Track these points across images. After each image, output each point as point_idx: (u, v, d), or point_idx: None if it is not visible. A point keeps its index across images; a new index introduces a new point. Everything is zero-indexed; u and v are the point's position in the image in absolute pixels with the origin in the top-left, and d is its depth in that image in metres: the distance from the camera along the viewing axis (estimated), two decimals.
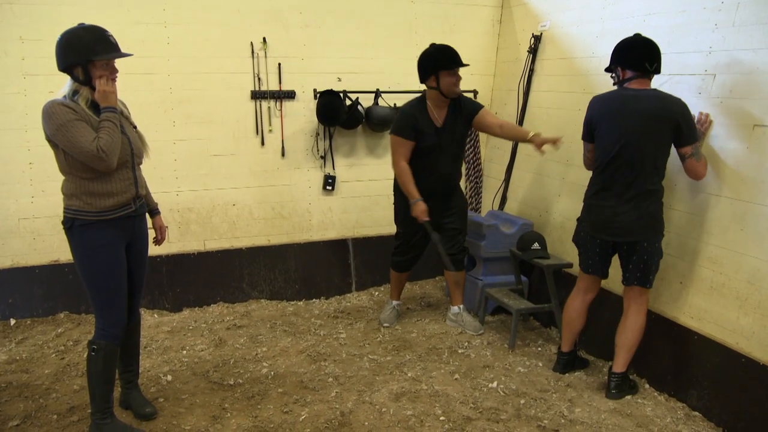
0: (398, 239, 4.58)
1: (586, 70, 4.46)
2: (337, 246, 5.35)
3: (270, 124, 5.04)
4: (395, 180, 4.37)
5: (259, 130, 5.01)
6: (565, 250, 4.49)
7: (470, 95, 5.50)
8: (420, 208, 4.13)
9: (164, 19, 4.70)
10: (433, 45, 4.11)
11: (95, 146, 2.74)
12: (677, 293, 3.65)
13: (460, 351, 4.15)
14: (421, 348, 4.19)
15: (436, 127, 4.17)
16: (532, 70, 5.07)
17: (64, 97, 2.85)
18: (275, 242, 5.18)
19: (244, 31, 4.87)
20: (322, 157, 5.19)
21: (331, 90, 5.01)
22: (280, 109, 5.05)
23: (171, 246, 4.91)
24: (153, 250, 4.80)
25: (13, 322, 4.53)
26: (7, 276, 4.58)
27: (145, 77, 4.71)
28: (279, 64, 4.97)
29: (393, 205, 4.56)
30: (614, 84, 3.53)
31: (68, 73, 2.88)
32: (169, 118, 4.81)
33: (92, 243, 2.92)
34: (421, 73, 4.13)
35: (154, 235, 3.45)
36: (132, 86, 4.61)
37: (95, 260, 2.94)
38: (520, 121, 5.15)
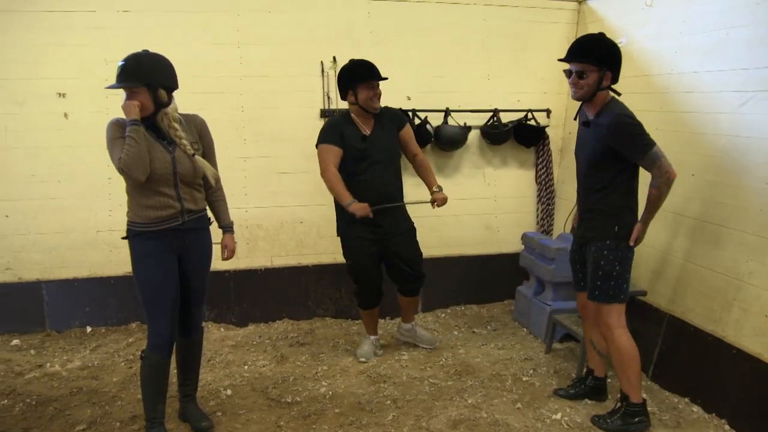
0: (352, 274, 4.21)
1: (664, 87, 4.25)
2: None
3: None
4: (336, 206, 4.10)
5: None
6: (639, 276, 4.25)
7: (542, 114, 5.37)
8: (359, 205, 3.85)
9: (237, 40, 4.83)
10: (351, 60, 4.00)
11: (117, 164, 2.88)
12: (763, 327, 3.38)
13: (524, 378, 3.99)
14: (484, 374, 4.06)
15: (364, 135, 3.99)
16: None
17: None
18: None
19: (314, 49, 4.93)
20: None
21: (401, 109, 4.97)
22: None
23: (239, 261, 4.99)
24: (221, 264, 4.94)
25: (89, 329, 4.72)
26: (85, 285, 4.78)
27: (219, 96, 4.83)
28: None
29: (339, 237, 4.23)
30: (605, 89, 3.24)
31: None
32: (240, 135, 4.91)
33: (141, 252, 3.05)
34: (340, 90, 4.03)
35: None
36: (206, 105, 4.71)
37: (143, 269, 3.06)
38: None
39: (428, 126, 5.04)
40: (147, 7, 4.64)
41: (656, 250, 4.14)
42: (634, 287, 4.13)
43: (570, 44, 3.29)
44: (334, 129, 3.96)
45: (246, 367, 4.15)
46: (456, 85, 5.21)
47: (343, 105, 4.94)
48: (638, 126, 3.12)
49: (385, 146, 4.07)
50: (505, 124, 5.21)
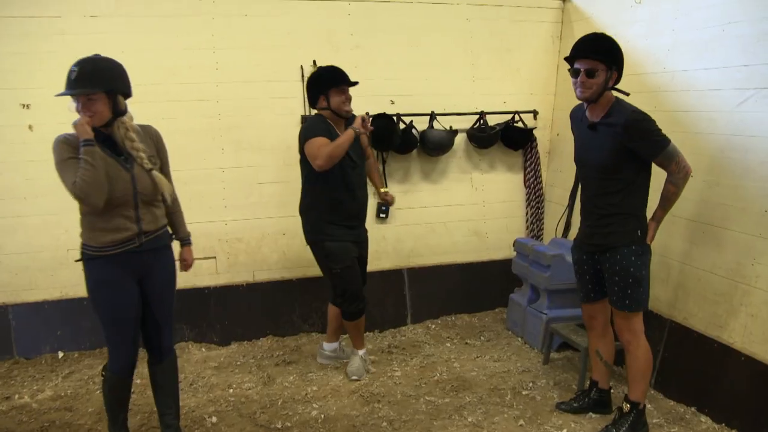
0: (342, 283, 3.95)
1: (656, 86, 4.12)
2: (392, 276, 5.10)
3: None
4: (312, 214, 3.97)
5: None
6: None
7: (530, 116, 5.23)
8: (357, 120, 3.79)
9: (213, 45, 4.61)
10: (319, 67, 3.99)
11: (71, 189, 2.68)
12: None
13: (524, 392, 3.83)
14: (482, 389, 3.89)
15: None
16: None
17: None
18: None
19: (293, 54, 4.73)
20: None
21: (384, 113, 4.81)
22: None
23: (219, 277, 4.78)
24: (201, 281, 4.76)
25: (61, 355, 4.45)
26: (56, 308, 4.51)
27: (194, 104, 4.61)
28: None
29: (316, 247, 4.01)
30: (612, 89, 3.13)
31: None
32: (218, 144, 4.69)
33: (97, 278, 2.88)
34: (310, 97, 3.95)
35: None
36: (180, 113, 4.56)
37: (101, 295, 2.89)
38: None
39: (414, 131, 4.87)
40: (116, 11, 4.40)
41: (654, 254, 3.98)
42: None
43: (575, 42, 3.16)
44: (322, 126, 3.84)
45: (231, 390, 3.92)
46: (441, 88, 5.05)
47: None
48: (654, 123, 3.01)
49: (358, 149, 3.98)
50: (492, 127, 5.06)
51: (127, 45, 4.34)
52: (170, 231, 3.22)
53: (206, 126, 4.65)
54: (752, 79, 3.42)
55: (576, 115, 3.36)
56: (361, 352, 4.19)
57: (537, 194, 5.29)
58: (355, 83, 3.91)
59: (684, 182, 3.04)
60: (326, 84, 3.83)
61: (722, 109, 3.59)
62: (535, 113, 5.26)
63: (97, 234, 2.82)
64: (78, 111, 2.76)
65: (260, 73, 4.67)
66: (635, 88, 4.28)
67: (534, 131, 5.22)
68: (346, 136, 3.72)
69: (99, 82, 2.74)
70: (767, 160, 3.30)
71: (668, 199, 3.09)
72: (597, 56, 2.99)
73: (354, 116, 3.93)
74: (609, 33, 4.56)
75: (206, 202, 4.68)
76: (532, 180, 5.29)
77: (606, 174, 3.11)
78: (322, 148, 3.67)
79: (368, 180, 4.20)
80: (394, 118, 4.84)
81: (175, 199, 3.20)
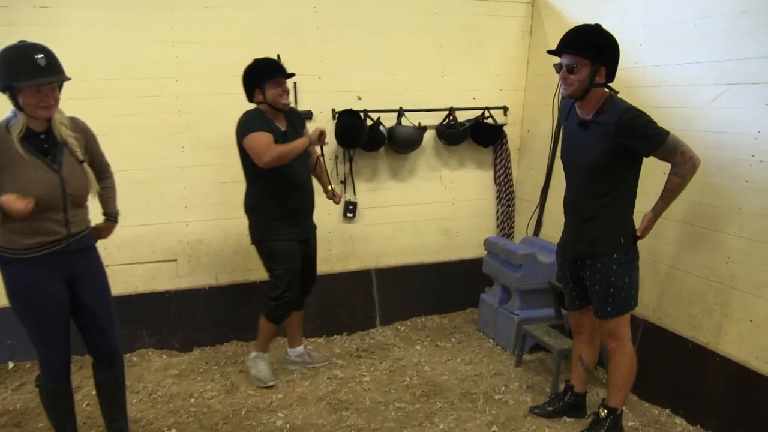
0: (282, 284, 3.79)
1: (629, 82, 4.03)
2: (360, 277, 4.96)
3: None
4: (256, 212, 3.83)
5: None
6: None
7: (500, 112, 5.13)
8: (316, 132, 3.67)
9: (172, 38, 4.41)
10: (254, 59, 3.78)
11: None
12: (747, 332, 3.20)
13: (496, 397, 3.72)
14: (453, 393, 3.77)
15: (282, 131, 3.75)
16: None
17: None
18: None
19: (257, 48, 4.45)
20: (342, 181, 4.82)
21: (351, 110, 4.67)
22: None
23: (180, 280, 4.59)
24: (162, 285, 4.56)
25: (11, 365, 4.22)
26: (5, 315, 4.24)
27: (152, 100, 4.41)
28: (294, 83, 4.61)
29: (260, 247, 3.86)
30: (599, 86, 2.91)
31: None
32: (178, 143, 4.49)
33: (19, 282, 2.70)
34: (247, 90, 3.78)
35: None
36: (138, 110, 4.36)
37: (24, 300, 2.72)
38: (555, 141, 4.73)
39: (381, 127, 4.74)
40: (68, 2, 4.16)
41: None
42: None
43: (562, 36, 2.97)
44: (261, 120, 3.68)
45: (192, 400, 3.75)
46: (409, 83, 4.92)
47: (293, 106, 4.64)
48: (648, 117, 2.85)
49: None
50: (462, 123, 4.95)
51: (81, 37, 4.16)
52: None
53: (165, 123, 4.45)
54: (725, 74, 3.36)
55: (564, 109, 3.20)
56: (266, 355, 4.06)
57: (507, 192, 5.19)
58: (292, 75, 3.76)
59: (691, 173, 2.84)
60: (261, 77, 3.68)
61: (695, 105, 3.53)
62: (505, 109, 5.17)
63: (20, 237, 2.64)
64: (34, 106, 2.57)
65: (222, 68, 4.47)
66: None
67: (504, 128, 5.12)
68: (301, 143, 3.62)
69: (61, 68, 2.62)
70: (739, 157, 3.25)
71: (672, 191, 2.90)
72: (577, 51, 2.83)
73: (293, 109, 3.88)
74: None
75: (166, 202, 4.49)
76: (502, 177, 5.19)
77: (594, 175, 2.96)
78: (271, 146, 3.54)
79: (314, 178, 4.08)
80: (361, 114, 4.69)
81: (110, 174, 3.18)
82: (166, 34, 4.39)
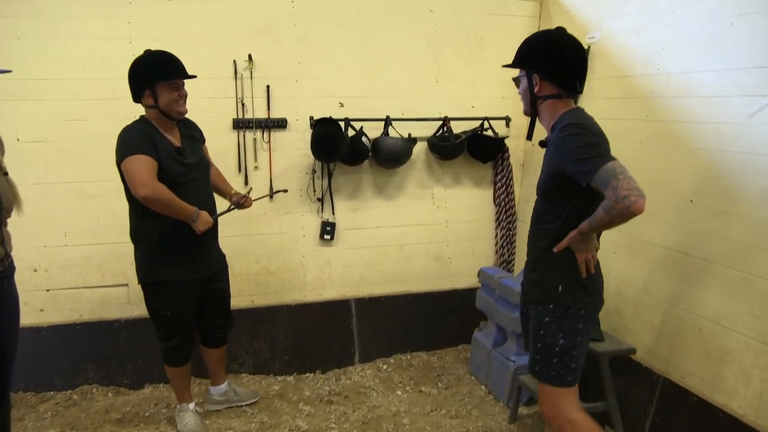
0: (167, 326, 3.30)
1: (649, 90, 3.46)
2: (337, 308, 4.39)
3: (255, 160, 4.16)
4: (142, 244, 3.20)
5: (242, 166, 4.14)
6: (624, 327, 3.46)
7: (501, 123, 4.55)
8: (204, 216, 3.12)
9: (129, 34, 3.90)
10: (147, 51, 3.12)
11: None
12: None
13: None
14: None
15: (176, 147, 3.14)
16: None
17: None
18: (260, 303, 4.25)
19: (225, 47, 4.03)
20: (319, 199, 4.27)
21: (330, 118, 4.11)
22: (268, 142, 4.17)
23: (132, 308, 4.06)
24: (108, 313, 4.02)
25: None
26: None
27: (107, 103, 3.90)
28: (268, 87, 4.11)
29: (148, 289, 3.25)
30: (544, 98, 2.43)
31: None
32: None
33: None
34: (133, 89, 3.11)
35: None
36: (89, 114, 3.88)
37: None
38: None
39: (365, 138, 4.17)
40: None
41: (647, 295, 3.34)
42: (620, 342, 3.32)
43: None
44: (145, 138, 3.01)
45: None
46: (398, 89, 4.35)
47: (260, 113, 4.11)
48: (587, 135, 2.24)
49: (199, 159, 3.26)
50: (457, 135, 4.36)
51: (26, 32, 3.71)
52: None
53: (120, 129, 3.91)
54: (765, 84, 2.76)
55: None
56: (191, 405, 3.51)
57: (508, 213, 4.60)
58: (192, 77, 3.15)
59: (621, 217, 2.12)
60: (153, 75, 3.03)
61: (731, 120, 2.92)
62: (507, 120, 4.58)
63: None
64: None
65: (186, 68, 3.94)
66: (623, 92, 3.68)
67: (506, 140, 4.53)
68: (186, 212, 3.05)
69: None
70: None
71: (596, 220, 2.22)
72: (514, 63, 2.50)
73: (187, 119, 3.28)
74: (594, 29, 3.98)
75: (119, 219, 3.91)
76: (503, 197, 4.61)
77: (542, 204, 2.51)
78: (153, 181, 2.94)
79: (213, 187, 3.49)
80: (342, 123, 4.13)
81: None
82: (123, 29, 3.90)
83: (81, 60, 3.84)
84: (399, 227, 4.47)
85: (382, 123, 4.27)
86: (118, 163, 3.01)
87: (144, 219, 3.08)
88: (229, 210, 3.39)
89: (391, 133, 4.27)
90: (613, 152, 3.54)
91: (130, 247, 3.91)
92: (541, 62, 2.40)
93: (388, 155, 4.20)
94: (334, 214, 4.31)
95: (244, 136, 4.12)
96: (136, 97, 3.13)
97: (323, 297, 4.37)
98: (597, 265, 2.44)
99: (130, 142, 2.99)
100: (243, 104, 4.09)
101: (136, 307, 4.05)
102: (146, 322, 3.97)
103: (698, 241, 3.04)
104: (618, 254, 3.58)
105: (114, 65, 3.85)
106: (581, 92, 2.50)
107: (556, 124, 2.39)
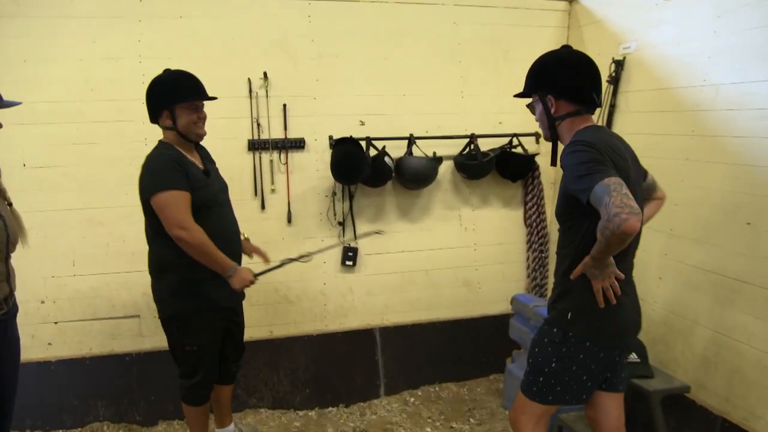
0: (192, 363, 3.04)
1: (694, 103, 3.21)
2: (361, 337, 4.16)
3: (272, 182, 3.96)
4: (169, 277, 2.91)
5: (258, 189, 3.94)
6: (673, 360, 3.19)
7: (531, 139, 4.31)
8: (244, 275, 2.90)
9: (139, 53, 3.73)
10: (166, 70, 2.94)
11: None
12: None
13: None
14: None
15: (204, 170, 2.96)
16: (612, 107, 3.84)
17: None
18: (280, 334, 4.04)
19: (239, 64, 3.85)
20: (340, 223, 4.05)
21: (350, 137, 3.90)
22: (286, 163, 3.96)
23: (144, 341, 3.86)
24: (121, 347, 3.82)
25: None
26: None
27: (115, 126, 3.74)
28: (284, 106, 3.92)
29: (174, 322, 2.97)
30: (563, 117, 2.30)
31: None
32: None
33: None
34: (151, 109, 2.92)
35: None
36: (97, 137, 3.73)
37: None
38: None
39: (387, 158, 3.94)
40: (17, 12, 3.53)
41: (699, 326, 3.07)
42: (671, 379, 3.05)
43: None
44: (176, 167, 2.79)
45: None
46: (422, 106, 4.13)
47: (277, 134, 3.91)
48: (588, 152, 2.07)
49: (221, 181, 3.11)
50: (485, 153, 4.13)
51: (31, 52, 3.57)
52: None
53: (129, 153, 3.75)
54: None
55: None
56: None
57: (540, 234, 4.35)
58: (213, 98, 2.96)
59: (613, 237, 1.93)
60: (172, 95, 2.85)
61: None
62: (537, 136, 4.34)
63: None
64: None
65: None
66: (664, 106, 3.42)
67: (536, 158, 4.29)
68: (224, 265, 2.83)
69: None
70: None
71: (598, 243, 2.06)
72: (525, 91, 2.43)
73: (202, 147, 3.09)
74: (629, 38, 3.75)
75: (129, 247, 3.79)
76: (534, 217, 4.36)
77: (561, 225, 2.37)
78: (190, 221, 2.72)
79: None
80: (364, 142, 3.92)
81: None
82: (132, 48, 3.74)
83: (89, 80, 3.69)
84: (425, 251, 4.23)
85: (406, 141, 4.05)
86: (147, 198, 2.78)
87: (169, 248, 2.81)
88: (281, 266, 3.13)
89: (415, 152, 4.06)
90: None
91: (141, 277, 3.81)
92: (554, 81, 2.30)
93: (412, 176, 3.98)
94: (356, 238, 4.08)
95: (260, 157, 3.92)
96: (154, 118, 2.95)
97: (346, 326, 4.15)
98: (625, 296, 2.25)
99: (161, 174, 2.76)
100: (258, 124, 3.90)
101: (148, 340, 3.86)
102: (159, 355, 3.85)
103: (758, 267, 2.77)
104: (664, 280, 3.32)
105: (123, 86, 3.73)
106: (600, 105, 2.38)
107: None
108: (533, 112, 2.44)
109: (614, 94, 3.83)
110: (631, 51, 3.73)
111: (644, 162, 3.52)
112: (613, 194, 1.92)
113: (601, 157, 2.06)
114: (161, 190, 2.71)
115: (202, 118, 2.93)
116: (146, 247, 3.53)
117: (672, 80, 3.38)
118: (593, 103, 2.29)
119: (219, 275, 2.87)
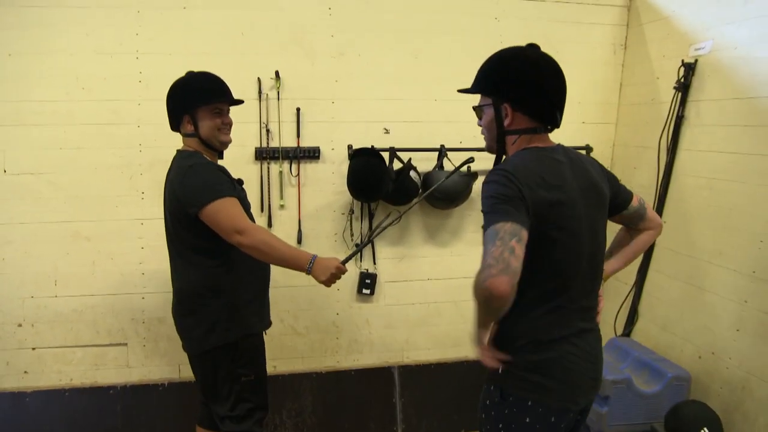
0: (252, 394, 2.68)
1: None
2: (377, 376, 3.76)
3: (281, 197, 3.56)
4: (219, 301, 2.58)
5: (265, 204, 3.54)
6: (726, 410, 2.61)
7: (582, 152, 3.75)
8: (326, 263, 2.54)
9: (136, 47, 3.38)
10: (189, 72, 2.68)
11: None
12: None
13: None
14: None
15: (238, 178, 2.75)
16: (681, 117, 3.31)
17: None
18: (284, 370, 3.67)
19: (248, 62, 3.47)
20: (357, 245, 3.59)
21: (372, 147, 3.46)
22: (297, 175, 3.56)
23: (131, 372, 3.54)
24: (104, 378, 3.44)
25: None
26: None
27: (107, 129, 3.40)
28: (298, 110, 3.51)
29: (223, 352, 2.60)
30: (516, 132, 1.93)
31: None
32: (136, 187, 3.46)
33: None
34: (171, 114, 2.65)
35: None
36: (88, 142, 3.40)
37: None
38: (661, 200, 3.36)
39: (413, 173, 3.47)
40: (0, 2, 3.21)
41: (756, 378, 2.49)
42: None
43: None
44: (221, 174, 2.59)
45: None
46: (455, 113, 3.66)
47: (288, 142, 3.48)
48: (496, 185, 1.77)
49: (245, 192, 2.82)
50: None
51: (17, 46, 3.24)
52: None
53: (122, 160, 3.45)
54: None
55: None
56: None
57: None
58: (239, 102, 2.71)
59: (475, 291, 1.63)
60: (194, 98, 2.59)
61: None
62: (588, 149, 3.85)
63: None
64: None
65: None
66: (750, 119, 2.85)
67: None
68: (300, 257, 2.50)
69: None
70: None
71: None
72: (474, 88, 2.01)
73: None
74: (701, 38, 3.18)
75: (117, 266, 3.48)
76: None
77: None
78: (248, 223, 2.46)
79: None
80: (386, 154, 3.45)
81: None
82: (129, 42, 3.37)
83: (79, 78, 3.35)
84: (454, 279, 3.79)
85: (436, 154, 3.60)
86: (197, 212, 2.45)
87: (219, 268, 2.55)
88: (359, 251, 2.83)
89: (447, 165, 3.57)
90: (730, 196, 2.70)
91: (129, 300, 3.49)
92: (515, 89, 1.91)
93: (442, 193, 3.49)
94: (375, 263, 3.69)
95: (268, 168, 3.52)
96: (174, 125, 2.68)
97: (360, 363, 3.78)
98: (572, 346, 1.86)
99: (211, 182, 2.52)
100: (268, 130, 3.50)
101: (136, 371, 3.52)
102: (148, 389, 3.56)
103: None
104: (742, 333, 2.75)
105: (118, 84, 3.39)
106: (558, 126, 1.97)
107: None
108: (478, 116, 2.04)
109: (683, 103, 3.28)
110: (705, 53, 3.19)
111: (721, 186, 2.98)
112: (497, 243, 1.64)
113: (510, 194, 1.75)
114: (214, 199, 2.45)
115: (228, 124, 2.69)
116: (137, 267, 3.12)
117: (756, 88, 2.84)
118: (553, 123, 1.95)
119: (256, 298, 2.69)
